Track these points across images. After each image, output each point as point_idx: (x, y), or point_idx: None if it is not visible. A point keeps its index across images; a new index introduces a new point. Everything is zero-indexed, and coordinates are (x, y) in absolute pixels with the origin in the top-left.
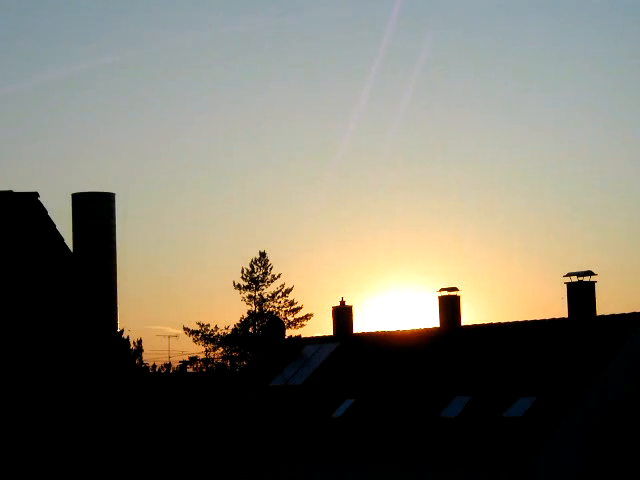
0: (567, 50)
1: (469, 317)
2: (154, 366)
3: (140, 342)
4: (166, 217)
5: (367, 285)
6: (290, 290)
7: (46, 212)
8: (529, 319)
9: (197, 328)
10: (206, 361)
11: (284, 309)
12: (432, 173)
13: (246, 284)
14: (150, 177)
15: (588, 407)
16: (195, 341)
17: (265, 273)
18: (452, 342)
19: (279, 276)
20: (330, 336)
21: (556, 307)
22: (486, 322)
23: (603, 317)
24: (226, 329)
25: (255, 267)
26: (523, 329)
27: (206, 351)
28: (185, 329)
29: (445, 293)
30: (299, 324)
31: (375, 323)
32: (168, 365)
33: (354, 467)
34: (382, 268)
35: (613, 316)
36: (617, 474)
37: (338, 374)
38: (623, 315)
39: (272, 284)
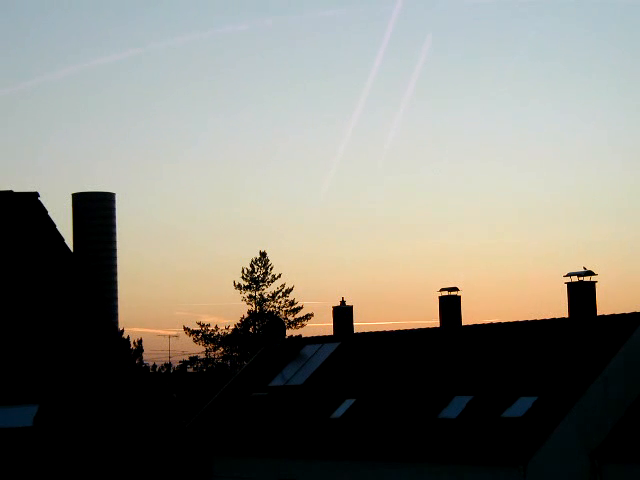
0: (566, 52)
1: (469, 317)
2: (154, 366)
3: (140, 342)
4: (166, 217)
5: (367, 285)
6: (290, 290)
7: (46, 212)
8: (529, 319)
9: (197, 328)
10: (206, 361)
11: (284, 309)
12: (432, 173)
13: (246, 284)
14: (150, 177)
15: (588, 407)
16: (195, 341)
17: (265, 273)
18: (452, 342)
19: (279, 276)
20: (330, 336)
21: (556, 307)
22: (486, 322)
23: (603, 317)
24: (226, 329)
25: (255, 267)
26: (523, 329)
27: (206, 351)
28: (185, 329)
29: (445, 293)
30: (299, 324)
31: (375, 323)
32: (168, 365)
33: (354, 467)
34: (382, 268)
35: (613, 316)
36: (617, 474)
37: (338, 374)
38: (623, 315)
39: (272, 284)
